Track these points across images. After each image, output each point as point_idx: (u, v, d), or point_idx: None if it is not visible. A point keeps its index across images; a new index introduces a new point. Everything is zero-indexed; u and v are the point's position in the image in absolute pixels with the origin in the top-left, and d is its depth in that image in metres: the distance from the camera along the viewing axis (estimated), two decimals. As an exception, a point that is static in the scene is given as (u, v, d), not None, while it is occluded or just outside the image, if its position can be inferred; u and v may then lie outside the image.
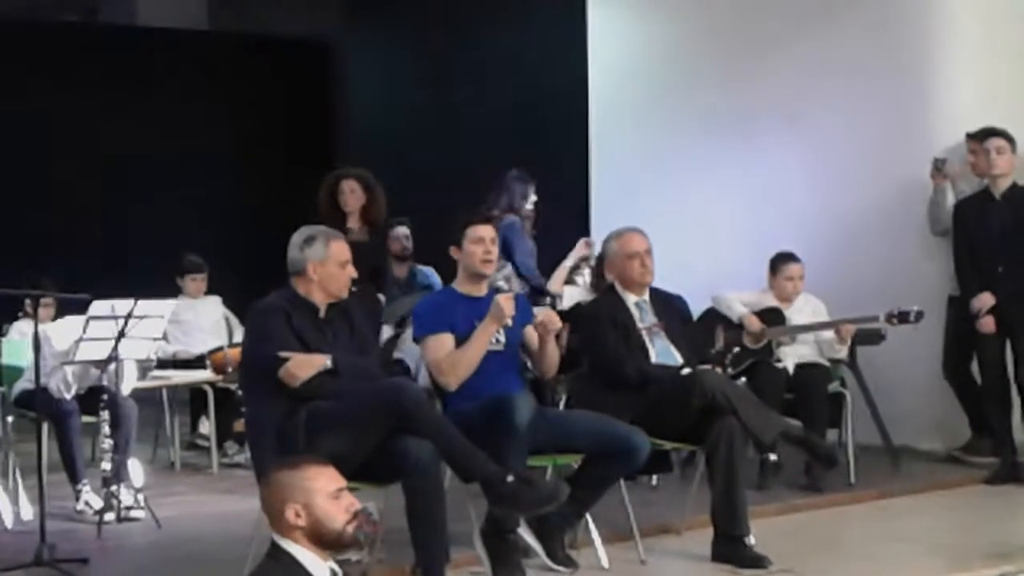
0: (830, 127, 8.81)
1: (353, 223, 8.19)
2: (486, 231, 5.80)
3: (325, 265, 5.43)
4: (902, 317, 7.30)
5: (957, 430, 8.25)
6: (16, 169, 12.04)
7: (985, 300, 7.62)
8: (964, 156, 8.15)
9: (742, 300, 7.75)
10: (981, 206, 7.81)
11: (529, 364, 6.07)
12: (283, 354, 5.23)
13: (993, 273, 7.67)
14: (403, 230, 9.29)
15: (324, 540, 3.68)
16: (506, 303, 5.60)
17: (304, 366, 5.24)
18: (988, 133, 7.80)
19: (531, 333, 5.89)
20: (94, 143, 12.51)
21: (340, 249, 5.47)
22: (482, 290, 5.82)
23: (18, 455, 7.29)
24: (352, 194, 8.19)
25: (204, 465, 8.45)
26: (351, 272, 5.51)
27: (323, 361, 5.28)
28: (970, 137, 8.03)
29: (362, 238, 8.07)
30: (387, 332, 8.44)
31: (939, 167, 8.20)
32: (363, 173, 8.32)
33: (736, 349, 7.54)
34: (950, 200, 8.19)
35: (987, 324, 7.63)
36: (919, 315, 7.30)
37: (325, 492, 3.70)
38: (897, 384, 8.28)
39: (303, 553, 3.66)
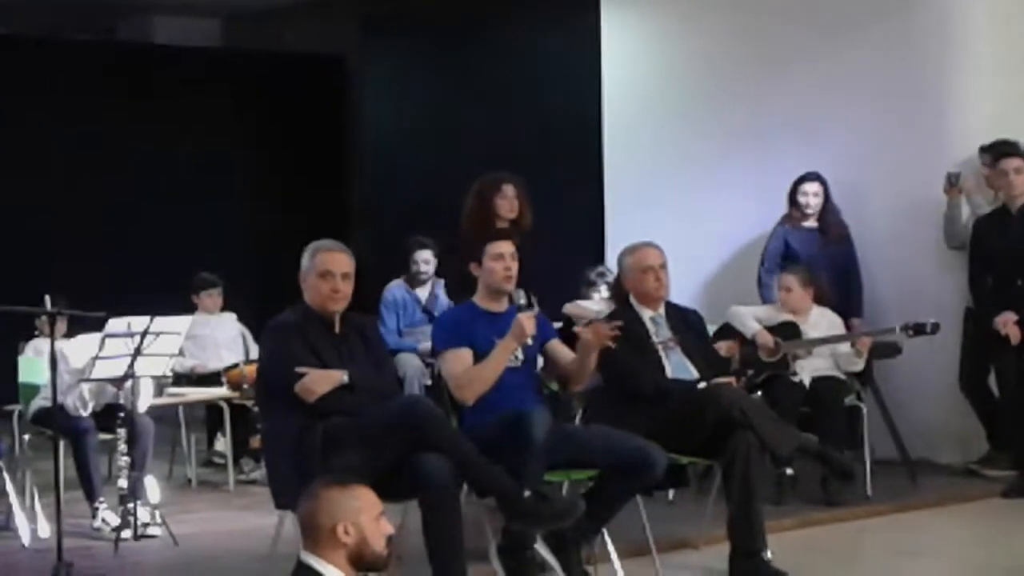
0: (845, 142, 8.80)
1: None
2: (506, 247, 5.80)
3: (306, 278, 5.37)
4: (918, 329, 7.28)
5: (974, 443, 8.22)
6: (32, 186, 12.07)
7: (1008, 319, 7.61)
8: (978, 170, 8.15)
9: (756, 315, 7.74)
10: (998, 222, 7.80)
11: (548, 381, 6.08)
12: (300, 369, 5.21)
13: (1010, 289, 7.65)
14: (423, 254, 8.93)
15: (363, 560, 3.69)
16: (527, 323, 5.59)
17: (321, 381, 5.21)
18: (1002, 151, 7.78)
19: (561, 349, 5.90)
20: (108, 160, 12.53)
21: (324, 260, 5.35)
22: (502, 306, 5.81)
23: (35, 473, 7.32)
24: (512, 200, 7.29)
25: (220, 482, 8.46)
26: (337, 285, 5.35)
27: (339, 376, 5.25)
28: (984, 152, 8.01)
29: None
30: None
31: (953, 181, 8.18)
32: (521, 179, 7.43)
33: (750, 372, 7.52)
34: (964, 214, 8.18)
35: (1014, 334, 7.60)
36: (935, 327, 7.29)
37: (370, 513, 3.72)
38: (914, 397, 8.27)
39: (333, 572, 3.66)
